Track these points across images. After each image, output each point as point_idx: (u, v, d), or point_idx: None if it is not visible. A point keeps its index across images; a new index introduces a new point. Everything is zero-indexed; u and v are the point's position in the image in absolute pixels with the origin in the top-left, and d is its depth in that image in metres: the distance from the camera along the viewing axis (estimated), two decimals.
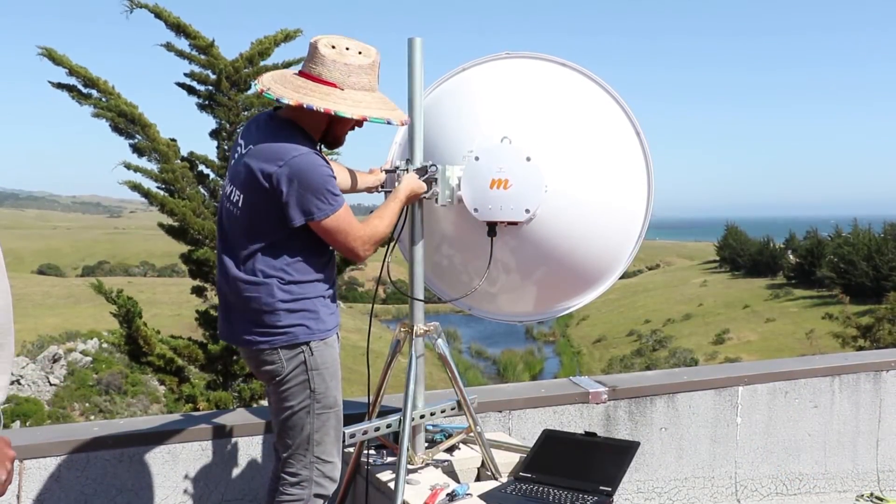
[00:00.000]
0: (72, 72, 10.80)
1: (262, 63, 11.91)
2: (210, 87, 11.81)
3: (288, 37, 12.00)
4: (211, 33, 11.61)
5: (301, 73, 2.40)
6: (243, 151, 2.39)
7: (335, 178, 2.35)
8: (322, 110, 2.28)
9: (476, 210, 2.78)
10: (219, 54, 11.62)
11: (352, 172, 2.76)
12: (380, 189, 2.83)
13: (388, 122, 2.39)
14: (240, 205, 2.36)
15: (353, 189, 2.77)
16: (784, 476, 4.11)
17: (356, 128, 2.51)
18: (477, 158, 2.78)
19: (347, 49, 2.37)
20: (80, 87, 10.99)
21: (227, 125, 11.76)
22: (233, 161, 2.45)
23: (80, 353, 30.98)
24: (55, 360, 29.22)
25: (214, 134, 11.95)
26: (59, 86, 10.90)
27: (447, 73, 3.13)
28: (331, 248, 2.44)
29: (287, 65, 11.96)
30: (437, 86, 3.11)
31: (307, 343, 2.36)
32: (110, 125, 11.01)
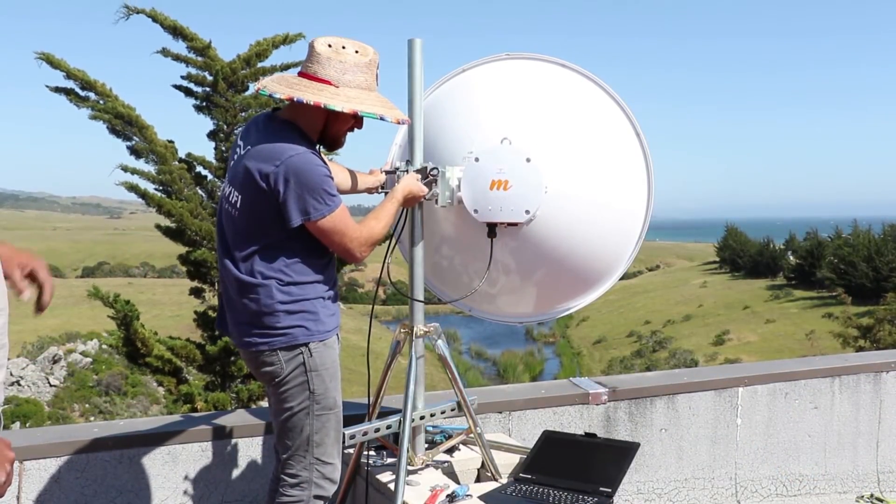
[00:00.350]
0: (69, 75, 10.83)
1: (259, 64, 11.93)
2: (207, 89, 11.83)
3: (287, 39, 12.01)
4: (211, 36, 11.64)
5: (300, 73, 2.40)
6: (242, 153, 2.39)
7: (332, 178, 2.35)
8: (312, 103, 2.28)
9: (476, 211, 2.78)
10: (216, 56, 11.64)
11: (352, 173, 2.76)
12: (380, 190, 2.83)
13: (382, 118, 2.37)
14: (238, 206, 2.36)
15: (354, 190, 2.77)
16: (784, 477, 4.11)
17: (355, 129, 2.51)
18: (477, 159, 2.78)
19: (344, 47, 2.37)
20: (77, 90, 11.02)
21: (225, 126, 11.78)
22: (232, 162, 2.45)
23: (80, 354, 30.99)
24: (55, 361, 29.23)
25: (212, 135, 11.97)
26: (57, 89, 10.94)
27: (447, 74, 3.13)
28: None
29: (285, 67, 11.99)
30: (438, 87, 3.11)
31: (306, 344, 2.36)
32: (107, 127, 11.03)
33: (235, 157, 2.43)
